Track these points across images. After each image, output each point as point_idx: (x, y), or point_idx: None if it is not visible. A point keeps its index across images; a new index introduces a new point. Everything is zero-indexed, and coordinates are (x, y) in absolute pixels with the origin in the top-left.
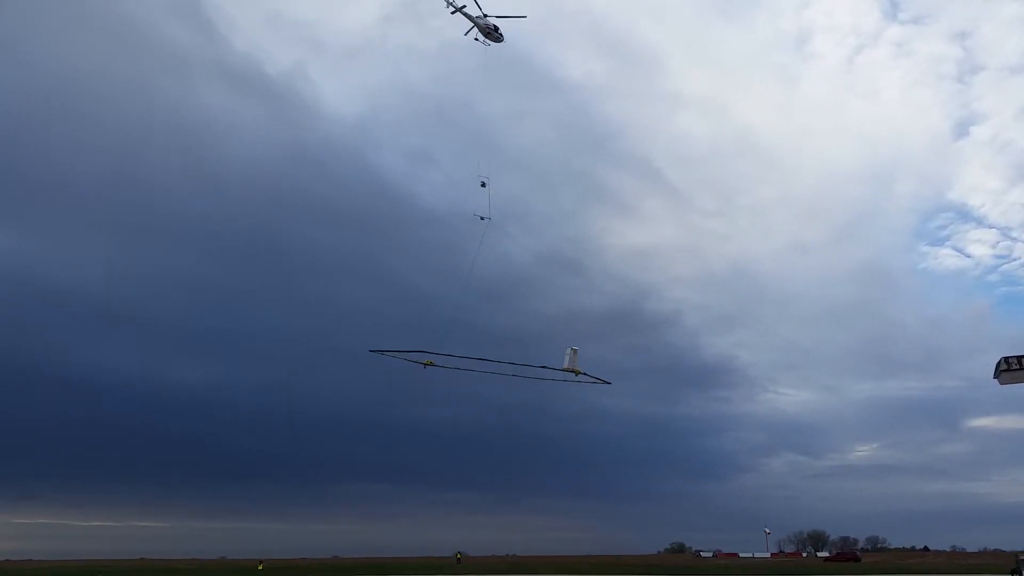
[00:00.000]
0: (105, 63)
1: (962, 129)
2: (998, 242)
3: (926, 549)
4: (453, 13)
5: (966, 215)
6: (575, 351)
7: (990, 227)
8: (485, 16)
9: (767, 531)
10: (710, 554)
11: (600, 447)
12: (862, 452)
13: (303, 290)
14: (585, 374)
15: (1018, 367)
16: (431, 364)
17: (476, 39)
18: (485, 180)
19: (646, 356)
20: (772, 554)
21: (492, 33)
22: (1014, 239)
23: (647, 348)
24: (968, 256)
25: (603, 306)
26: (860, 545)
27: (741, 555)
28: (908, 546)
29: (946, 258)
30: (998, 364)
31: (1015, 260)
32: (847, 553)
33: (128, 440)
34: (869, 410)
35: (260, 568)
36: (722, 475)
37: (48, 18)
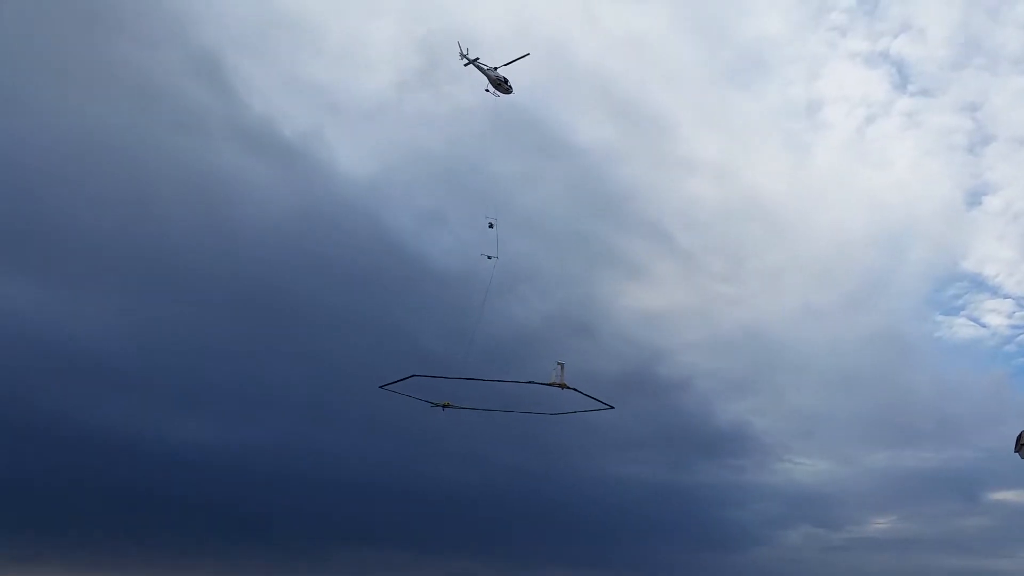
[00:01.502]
0: (124, 121)
1: (974, 198)
2: (1014, 312)
3: None
4: (466, 65)
5: (980, 284)
6: (562, 365)
7: (1005, 297)
8: (495, 68)
9: None
10: None
11: (612, 516)
12: (880, 524)
13: (313, 348)
14: (574, 389)
15: None
16: (448, 406)
17: (487, 90)
18: (493, 221)
19: (658, 422)
20: None
21: (502, 85)
22: None
23: (658, 414)
24: (984, 326)
25: (614, 370)
26: None
27: None
28: None
29: (961, 327)
30: (1018, 437)
31: None
32: None
33: (135, 500)
34: (886, 480)
35: None
36: (736, 547)
37: (71, 75)
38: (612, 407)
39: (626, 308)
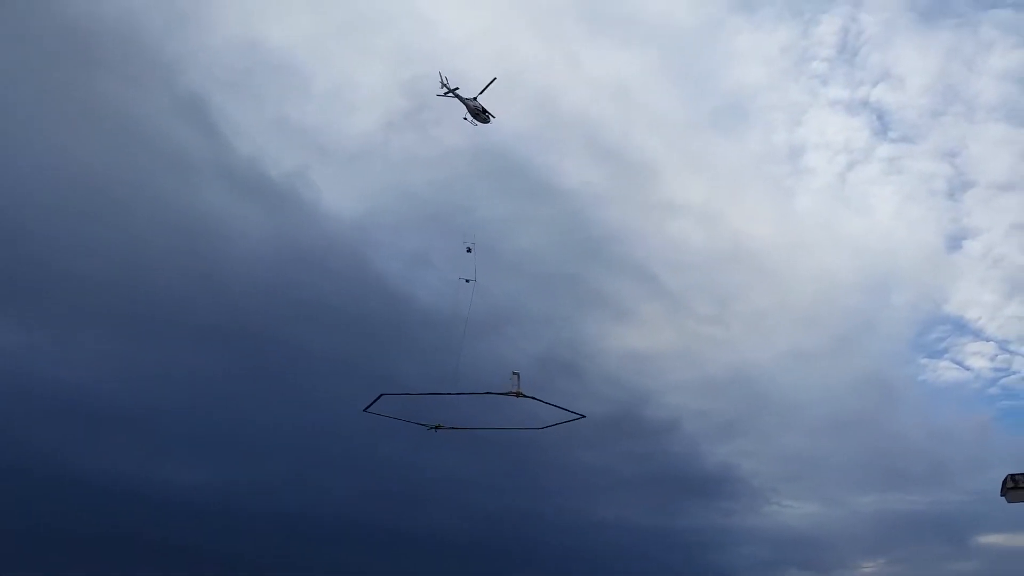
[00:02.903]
0: (111, 162)
1: (955, 243)
2: (996, 355)
3: None
4: (446, 94)
5: (963, 328)
6: (517, 375)
7: (988, 340)
8: (475, 99)
9: None
10: None
11: (597, 559)
12: (868, 568)
13: (301, 389)
14: (532, 397)
15: None
16: (440, 427)
17: (465, 119)
18: (471, 246)
19: (645, 464)
20: None
21: (480, 114)
22: (1012, 352)
23: (646, 456)
24: (968, 369)
25: (600, 411)
26: None
27: None
28: None
29: (945, 371)
30: (1004, 482)
31: (1015, 373)
32: None
33: (126, 542)
34: (874, 524)
35: None
36: None
37: (59, 116)
38: (583, 416)
39: (612, 349)
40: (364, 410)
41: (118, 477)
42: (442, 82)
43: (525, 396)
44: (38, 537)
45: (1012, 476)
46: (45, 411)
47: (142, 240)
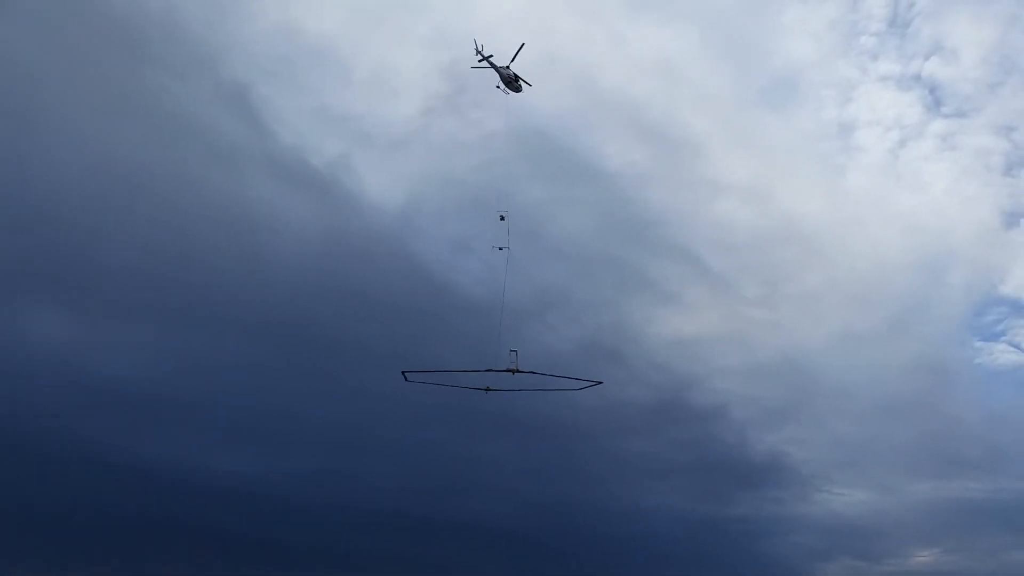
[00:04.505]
0: (156, 152)
1: (1013, 221)
2: None
3: None
4: (480, 61)
5: (1021, 309)
6: (515, 352)
7: None
8: (508, 67)
9: None
10: None
11: (646, 548)
12: (923, 557)
13: (345, 377)
14: (530, 372)
15: None
16: (489, 390)
17: (498, 87)
18: (504, 214)
19: (693, 451)
20: None
21: (513, 83)
22: None
23: (694, 443)
24: None
25: (646, 397)
26: None
27: None
28: None
29: (1002, 354)
30: None
31: None
32: None
33: (172, 530)
34: (930, 512)
35: None
36: None
37: (105, 106)
38: (600, 383)
39: (658, 334)
40: (404, 377)
41: (164, 466)
42: (477, 50)
43: (522, 372)
44: (88, 524)
45: None
46: (94, 400)
47: (186, 230)
